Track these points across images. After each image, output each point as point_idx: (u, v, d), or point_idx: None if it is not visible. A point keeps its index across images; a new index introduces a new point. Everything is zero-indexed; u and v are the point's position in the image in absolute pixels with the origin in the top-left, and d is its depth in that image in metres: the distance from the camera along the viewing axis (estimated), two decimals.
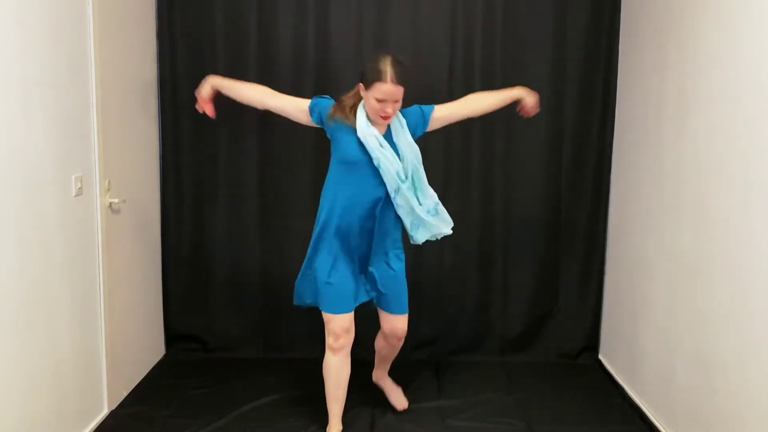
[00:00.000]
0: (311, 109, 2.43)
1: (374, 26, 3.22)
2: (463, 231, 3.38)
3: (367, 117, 2.34)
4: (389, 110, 2.25)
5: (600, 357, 3.48)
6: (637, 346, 2.98)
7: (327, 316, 2.42)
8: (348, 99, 2.39)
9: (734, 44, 2.18)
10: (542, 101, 3.27)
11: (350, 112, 2.36)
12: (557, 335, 3.47)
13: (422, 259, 3.38)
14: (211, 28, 3.22)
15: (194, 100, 3.25)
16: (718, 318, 2.26)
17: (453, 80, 3.26)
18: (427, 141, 3.27)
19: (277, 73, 3.25)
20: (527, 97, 2.63)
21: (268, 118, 3.27)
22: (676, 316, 2.58)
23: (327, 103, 2.42)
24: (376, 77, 2.21)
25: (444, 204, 3.31)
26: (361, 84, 2.29)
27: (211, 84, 2.52)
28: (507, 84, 3.25)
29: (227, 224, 3.36)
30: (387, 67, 2.21)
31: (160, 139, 3.31)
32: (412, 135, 2.43)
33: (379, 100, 2.23)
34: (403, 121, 2.41)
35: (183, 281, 3.40)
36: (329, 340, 2.43)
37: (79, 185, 2.46)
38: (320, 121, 2.43)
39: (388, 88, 2.21)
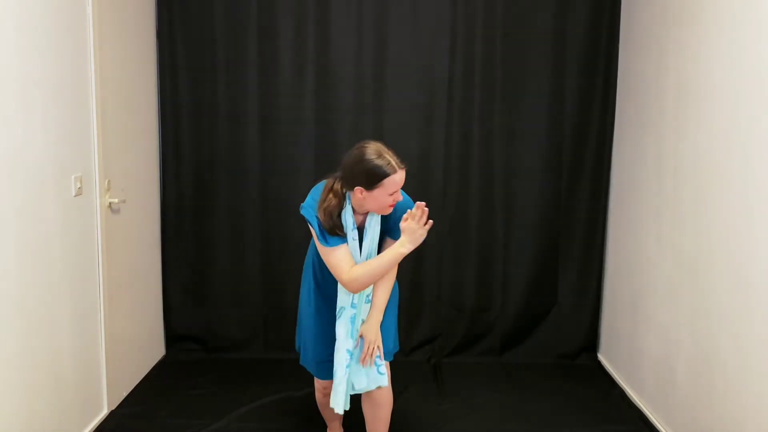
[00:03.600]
0: (337, 243, 2.04)
1: (374, 29, 3.22)
2: (463, 231, 3.38)
3: (353, 210, 2.08)
4: (399, 196, 2.03)
5: (599, 357, 3.48)
6: (636, 346, 2.98)
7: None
8: (330, 207, 2.03)
9: (734, 43, 2.18)
10: (543, 101, 3.31)
11: (338, 218, 2.05)
12: (556, 335, 3.47)
13: (422, 259, 3.38)
14: (211, 29, 3.22)
15: (194, 98, 3.28)
16: (718, 318, 2.26)
17: (453, 82, 3.26)
18: (427, 141, 3.30)
19: (278, 74, 3.25)
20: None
21: (268, 117, 3.29)
22: (676, 316, 2.58)
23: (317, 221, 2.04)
24: (385, 172, 1.94)
25: (443, 204, 3.35)
26: (359, 188, 1.97)
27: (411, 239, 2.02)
28: (506, 86, 3.27)
29: (227, 224, 3.36)
30: (389, 157, 1.96)
31: (160, 139, 3.31)
32: (386, 225, 2.15)
33: (391, 194, 1.99)
34: (378, 217, 2.11)
35: (183, 281, 3.40)
36: (317, 386, 2.37)
37: (79, 185, 2.46)
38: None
39: (401, 176, 1.98)
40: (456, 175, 3.34)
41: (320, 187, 2.10)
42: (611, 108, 3.30)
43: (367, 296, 2.15)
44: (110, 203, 2.71)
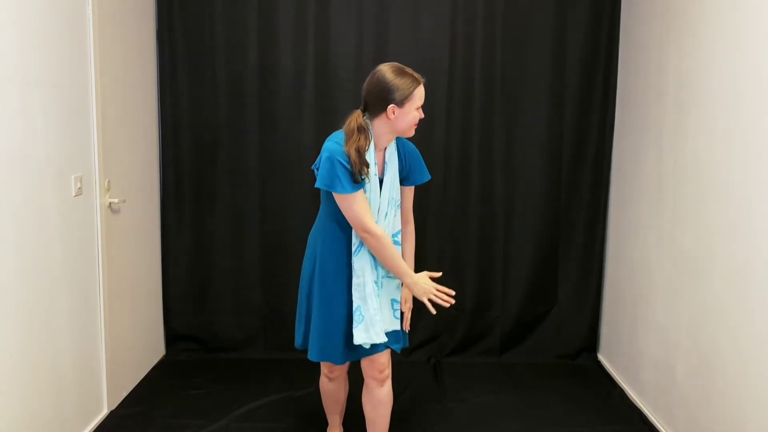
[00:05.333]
0: (358, 188, 2.04)
1: (374, 27, 3.22)
2: (463, 231, 3.38)
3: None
4: (422, 113, 2.09)
5: (599, 357, 3.48)
6: (636, 346, 2.98)
7: None
8: (360, 144, 2.03)
9: (734, 44, 2.18)
10: (542, 100, 3.31)
11: (365, 158, 2.04)
12: (556, 335, 3.47)
13: (422, 259, 3.37)
14: (211, 29, 3.22)
15: (194, 98, 3.28)
16: (718, 318, 2.26)
17: (453, 82, 3.26)
18: (427, 141, 3.30)
19: (278, 74, 3.25)
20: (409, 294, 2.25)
21: (267, 118, 3.29)
22: (676, 316, 2.58)
23: (342, 170, 2.01)
24: (411, 85, 2.01)
25: (444, 204, 3.35)
26: (392, 107, 2.01)
27: (424, 283, 2.14)
28: (506, 84, 3.27)
29: (227, 224, 3.36)
30: (409, 71, 2.03)
31: (160, 139, 3.31)
32: (401, 173, 2.19)
33: (418, 107, 2.06)
34: (395, 157, 2.15)
35: (183, 281, 3.40)
36: (323, 370, 2.37)
37: (79, 185, 2.46)
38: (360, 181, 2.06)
39: (423, 89, 2.06)
40: (456, 175, 3.34)
41: (337, 135, 2.08)
42: (611, 107, 3.30)
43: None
44: (110, 203, 2.71)
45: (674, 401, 2.59)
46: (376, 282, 2.13)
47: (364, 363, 2.21)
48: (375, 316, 2.10)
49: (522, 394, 3.04)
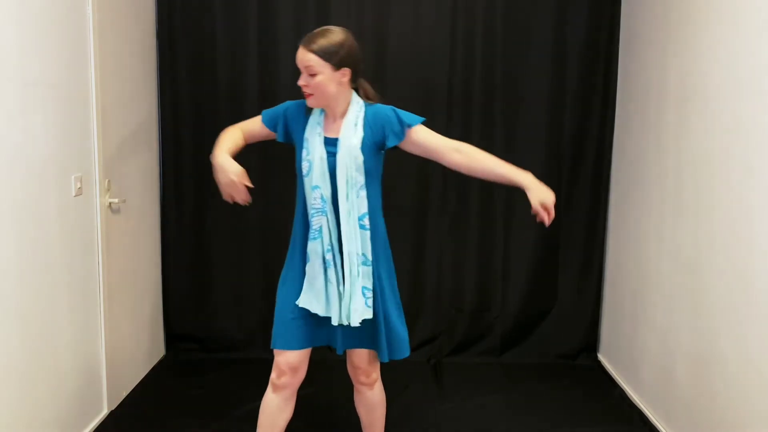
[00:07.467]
0: (265, 122, 2.19)
1: (374, 28, 3.22)
2: (463, 231, 3.38)
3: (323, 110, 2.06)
4: (302, 82, 1.95)
5: (599, 357, 3.48)
6: (636, 346, 2.98)
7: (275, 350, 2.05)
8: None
9: (734, 43, 2.18)
10: (542, 100, 3.31)
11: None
12: (556, 335, 3.47)
13: (422, 259, 3.38)
14: (211, 29, 3.22)
15: (194, 98, 3.28)
16: (718, 318, 2.26)
17: (453, 81, 3.26)
18: None
19: (277, 73, 3.25)
20: (536, 190, 2.11)
21: None
22: (676, 316, 2.58)
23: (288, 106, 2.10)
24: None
25: (444, 204, 3.35)
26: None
27: (228, 164, 2.15)
28: (506, 84, 3.27)
29: (227, 224, 3.36)
30: (308, 34, 1.95)
31: (160, 139, 3.31)
32: (380, 142, 2.04)
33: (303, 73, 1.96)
34: (360, 122, 2.03)
35: (183, 281, 3.40)
36: (272, 374, 2.04)
37: (79, 185, 2.46)
38: (285, 128, 2.16)
39: (299, 52, 1.93)
40: (456, 175, 3.33)
41: None
42: (611, 107, 3.30)
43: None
44: (110, 203, 2.71)
45: (674, 401, 2.59)
46: (326, 261, 2.05)
47: (350, 369, 2.16)
48: (319, 288, 2.02)
49: (522, 394, 3.04)
